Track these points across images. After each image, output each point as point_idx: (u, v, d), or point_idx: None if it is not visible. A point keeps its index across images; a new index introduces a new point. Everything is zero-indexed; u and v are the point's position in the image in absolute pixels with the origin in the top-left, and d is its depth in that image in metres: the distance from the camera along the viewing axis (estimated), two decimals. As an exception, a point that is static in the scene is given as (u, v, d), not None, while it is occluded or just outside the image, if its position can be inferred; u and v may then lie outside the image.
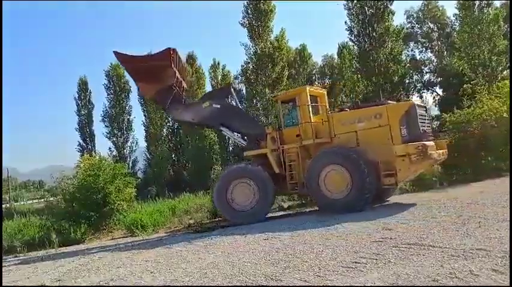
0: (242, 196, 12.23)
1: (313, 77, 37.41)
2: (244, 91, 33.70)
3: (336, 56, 37.22)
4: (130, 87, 33.67)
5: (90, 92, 34.64)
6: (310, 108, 12.54)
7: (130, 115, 34.10)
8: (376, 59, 25.70)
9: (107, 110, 33.19)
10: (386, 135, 11.22)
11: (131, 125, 33.98)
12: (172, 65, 12.16)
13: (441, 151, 11.88)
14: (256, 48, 26.47)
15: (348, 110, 12.91)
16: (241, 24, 26.70)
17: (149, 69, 12.25)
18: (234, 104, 13.97)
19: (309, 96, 12.71)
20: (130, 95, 33.80)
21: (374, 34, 25.80)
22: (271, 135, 12.85)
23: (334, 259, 6.41)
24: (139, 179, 26.50)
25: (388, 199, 13.17)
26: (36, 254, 12.14)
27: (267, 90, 25.85)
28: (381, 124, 11.35)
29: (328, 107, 13.58)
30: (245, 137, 13.49)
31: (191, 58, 34.98)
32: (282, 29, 27.43)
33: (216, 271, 6.65)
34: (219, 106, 13.06)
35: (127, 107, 34.03)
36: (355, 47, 27.65)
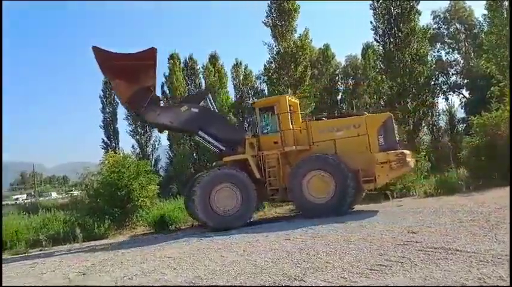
0: (225, 201, 12.02)
1: (336, 77, 37.09)
2: (266, 91, 33.69)
3: (359, 56, 36.82)
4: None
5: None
6: (289, 116, 12.82)
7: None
8: (401, 59, 25.29)
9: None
10: (365, 144, 12.04)
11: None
12: (156, 66, 12.10)
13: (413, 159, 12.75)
14: (279, 48, 26.36)
15: (325, 119, 13.60)
16: (265, 24, 26.64)
17: (130, 68, 11.89)
18: (211, 109, 13.69)
19: (288, 104, 12.99)
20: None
21: (399, 34, 25.39)
22: (250, 141, 12.90)
23: (358, 260, 6.33)
24: (162, 177, 26.78)
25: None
26: (60, 248, 12.39)
27: (289, 90, 25.68)
28: (359, 133, 12.15)
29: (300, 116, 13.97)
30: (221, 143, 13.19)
31: (214, 58, 35.21)
32: (305, 28, 27.24)
33: (239, 269, 6.65)
34: (197, 110, 12.88)
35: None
36: (380, 47, 27.26)
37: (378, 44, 27.52)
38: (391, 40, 25.90)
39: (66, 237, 13.22)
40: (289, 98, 13.64)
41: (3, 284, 6.68)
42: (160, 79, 35.02)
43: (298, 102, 14.66)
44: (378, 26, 26.26)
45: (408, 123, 24.60)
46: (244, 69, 37.28)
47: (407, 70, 25.31)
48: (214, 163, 14.25)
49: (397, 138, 12.50)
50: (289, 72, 25.76)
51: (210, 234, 11.13)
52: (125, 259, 8.74)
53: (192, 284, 6.05)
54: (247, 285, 5.76)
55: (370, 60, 33.38)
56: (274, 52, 26.64)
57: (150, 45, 13.12)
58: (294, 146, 12.41)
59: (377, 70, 30.34)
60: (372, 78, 32.52)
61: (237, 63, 37.08)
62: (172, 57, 33.83)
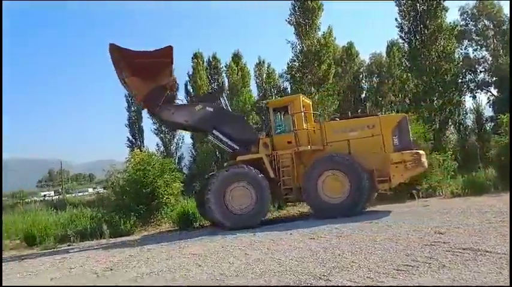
0: (240, 200, 11.96)
1: (360, 76, 36.70)
2: (289, 89, 33.62)
3: (384, 54, 36.32)
4: (177, 84, 34.35)
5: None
6: (303, 116, 12.77)
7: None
8: (428, 57, 24.89)
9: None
10: (379, 144, 12.05)
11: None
12: (173, 64, 12.09)
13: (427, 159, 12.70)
14: (302, 46, 26.28)
15: (338, 120, 13.68)
16: (288, 22, 26.60)
17: (148, 66, 11.82)
18: (226, 108, 13.65)
19: (302, 104, 12.96)
20: (178, 93, 34.53)
21: (426, 31, 25.00)
22: (264, 140, 12.88)
23: (384, 260, 6.26)
24: (185, 175, 27.05)
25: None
26: (87, 243, 12.64)
27: (312, 88, 25.59)
28: (373, 134, 12.15)
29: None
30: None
31: (237, 56, 35.33)
32: (329, 26, 27.11)
33: (263, 267, 6.66)
34: (212, 109, 12.83)
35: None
36: (405, 44, 26.90)
37: (403, 41, 27.20)
38: (417, 37, 25.52)
39: (93, 233, 13.48)
40: (303, 99, 13.58)
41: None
42: (184, 78, 35.37)
43: (311, 103, 14.68)
44: (403, 23, 25.92)
45: (434, 122, 24.14)
46: (267, 67, 37.29)
47: (434, 68, 24.91)
48: (225, 164, 14.18)
49: (411, 139, 12.63)
50: (313, 70, 25.65)
51: (234, 232, 11.18)
52: (151, 256, 8.87)
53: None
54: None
55: (395, 58, 32.91)
56: (298, 50, 26.59)
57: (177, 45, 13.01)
58: (309, 146, 12.39)
59: (402, 68, 29.96)
60: (396, 76, 32.10)
61: (260, 62, 37.12)
62: (196, 56, 34.12)
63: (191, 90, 34.17)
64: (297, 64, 26.89)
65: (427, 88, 25.12)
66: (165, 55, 11.91)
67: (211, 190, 11.87)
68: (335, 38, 27.89)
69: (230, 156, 13.93)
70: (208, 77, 34.52)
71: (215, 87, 35.53)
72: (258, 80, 36.73)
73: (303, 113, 12.85)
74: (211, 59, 35.94)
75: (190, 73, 34.05)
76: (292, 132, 12.74)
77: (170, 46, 11.85)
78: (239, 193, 11.94)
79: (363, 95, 36.51)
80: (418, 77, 25.61)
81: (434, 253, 6.39)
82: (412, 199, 14.52)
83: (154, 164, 15.38)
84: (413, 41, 25.69)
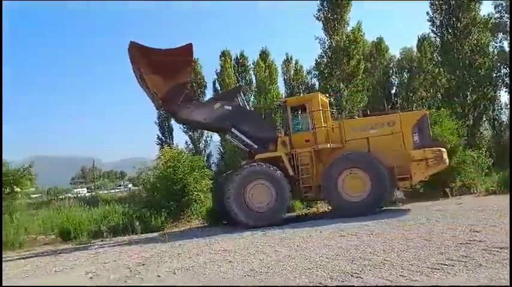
0: (260, 197, 11.96)
1: (390, 71, 35.98)
2: (317, 86, 33.35)
3: (415, 49, 35.47)
4: (206, 83, 34.61)
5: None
6: (321, 114, 12.71)
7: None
8: (460, 51, 24.22)
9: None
10: (399, 142, 12.03)
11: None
12: (192, 62, 12.03)
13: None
14: (331, 42, 26.01)
15: (357, 117, 13.69)
16: (317, 18, 26.37)
17: (168, 64, 11.80)
18: (243, 106, 13.55)
19: (320, 103, 12.92)
20: (206, 91, 34.75)
21: (458, 24, 24.32)
22: (282, 139, 12.86)
23: (417, 259, 6.14)
24: (214, 172, 27.25)
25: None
26: (119, 239, 12.91)
27: (341, 84, 25.31)
28: (393, 131, 12.14)
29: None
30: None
31: (264, 54, 35.23)
32: (358, 21, 26.69)
33: (293, 264, 6.65)
34: (230, 108, 12.78)
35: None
36: (437, 38, 26.25)
37: (434, 35, 26.56)
38: (449, 31, 24.88)
39: (125, 229, 13.76)
40: (321, 97, 13.50)
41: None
42: (212, 76, 35.58)
43: (328, 101, 14.60)
44: (435, 17, 25.32)
45: (468, 118, 23.50)
46: (295, 64, 37.06)
47: (467, 62, 24.24)
48: (243, 162, 14.04)
49: (431, 136, 12.66)
50: (342, 66, 25.36)
51: (263, 229, 11.20)
52: (182, 251, 8.99)
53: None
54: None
55: (426, 52, 32.11)
56: (326, 46, 26.32)
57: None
58: (328, 144, 12.33)
59: (434, 63, 29.26)
60: (428, 71, 31.35)
61: (287, 59, 36.92)
62: (224, 54, 34.21)
63: (219, 88, 34.34)
64: (325, 60, 26.65)
65: (460, 83, 24.47)
66: (186, 53, 11.92)
67: (231, 188, 11.87)
68: (364, 33, 27.43)
69: (248, 155, 13.89)
70: (235, 75, 34.58)
71: (244, 85, 35.60)
72: (285, 77, 36.57)
73: (321, 111, 12.78)
74: (238, 57, 35.98)
75: (218, 71, 34.20)
76: (310, 131, 12.74)
77: (190, 44, 11.88)
78: (258, 191, 11.95)
79: (393, 91, 35.79)
80: (451, 72, 24.96)
81: (470, 251, 6.22)
82: (446, 197, 14.18)
83: (184, 162, 15.56)
84: (446, 34, 25.05)
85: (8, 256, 10.92)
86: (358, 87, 25.46)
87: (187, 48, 11.87)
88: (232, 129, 12.84)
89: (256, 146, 12.87)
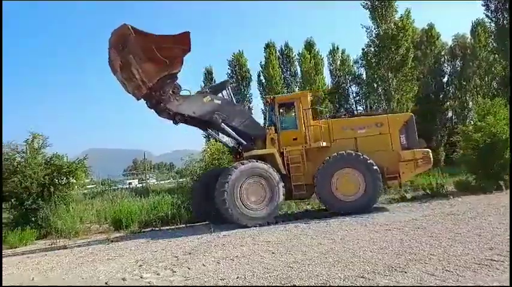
0: (254, 196, 11.50)
1: (442, 59, 34.58)
2: (364, 75, 32.68)
3: (468, 35, 33.83)
4: (250, 75, 34.80)
5: (215, 81, 36.45)
6: (310, 113, 12.64)
7: (250, 103, 35.24)
8: (517, 36, 22.81)
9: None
10: (387, 142, 12.37)
11: (251, 113, 35.10)
12: (189, 52, 11.09)
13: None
14: (378, 30, 25.35)
15: (342, 117, 13.74)
16: (363, 6, 25.77)
17: (164, 52, 10.83)
18: (232, 101, 13.05)
19: (309, 101, 12.87)
20: (251, 83, 34.95)
21: (515, 8, 22.91)
22: (271, 136, 12.43)
23: (465, 254, 5.95)
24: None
25: None
26: (168, 228, 13.30)
27: (389, 74, 24.65)
28: (381, 132, 12.44)
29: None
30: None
31: (309, 44, 34.91)
32: (406, 8, 25.83)
33: (336, 257, 6.63)
34: (220, 102, 12.34)
35: (248, 95, 35.30)
36: (492, 23, 24.91)
37: (489, 20, 25.22)
38: (505, 16, 23.48)
39: (174, 218, 14.13)
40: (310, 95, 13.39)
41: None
42: (256, 68, 35.70)
43: (312, 99, 14.29)
44: (490, 1, 23.99)
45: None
46: (341, 54, 36.50)
47: (525, 48, 22.78)
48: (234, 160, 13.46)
49: (417, 138, 12.93)
50: (390, 55, 24.68)
51: (306, 220, 11.18)
52: (226, 242, 9.16)
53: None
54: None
55: (480, 39, 30.57)
56: (373, 35, 25.69)
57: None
58: (322, 143, 12.26)
59: (489, 49, 27.83)
60: (482, 58, 29.89)
61: (333, 49, 36.42)
62: (268, 46, 34.24)
63: (263, 81, 34.44)
64: (373, 49, 26.04)
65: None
66: (184, 42, 10.97)
67: (226, 186, 11.19)
68: (413, 20, 26.50)
69: (233, 152, 13.64)
70: (280, 67, 34.52)
71: (289, 76, 35.46)
72: (331, 68, 36.11)
73: (310, 110, 12.70)
74: (283, 48, 35.88)
75: (263, 64, 34.27)
76: (298, 129, 12.61)
77: (188, 32, 11.00)
78: (253, 189, 11.51)
79: (445, 79, 34.41)
80: (507, 59, 23.61)
81: (523, 247, 5.93)
82: (499, 190, 13.52)
83: (228, 154, 15.76)
84: (501, 19, 23.71)
85: (66, 243, 11.56)
86: (408, 77, 24.71)
87: (185, 37, 10.92)
88: (222, 125, 12.26)
89: (245, 143, 12.55)
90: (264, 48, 34.29)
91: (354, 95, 36.90)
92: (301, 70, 33.81)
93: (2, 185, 11.46)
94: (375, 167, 11.66)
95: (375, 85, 26.74)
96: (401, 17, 25.46)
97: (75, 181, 14.91)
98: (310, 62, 32.42)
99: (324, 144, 12.35)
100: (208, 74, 36.31)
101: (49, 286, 6.48)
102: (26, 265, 8.75)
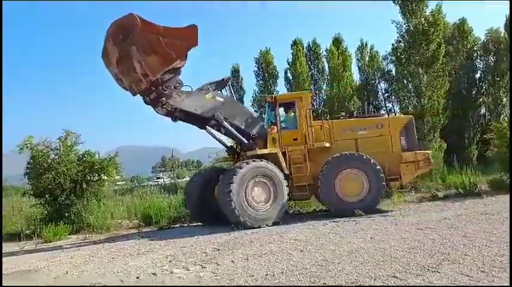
0: (260, 196, 11.24)
1: (475, 54, 33.57)
2: (393, 72, 32.06)
3: (502, 30, 32.70)
4: (277, 72, 34.67)
5: (242, 79, 36.52)
6: (311, 113, 12.60)
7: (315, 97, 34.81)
8: (556, 29, 21.94)
9: (255, 95, 34.78)
10: (387, 144, 12.46)
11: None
12: (196, 46, 10.56)
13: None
14: (408, 26, 24.81)
15: (342, 118, 13.73)
16: (393, 1, 25.27)
17: (170, 45, 10.21)
18: (233, 98, 12.82)
19: (310, 101, 12.98)
20: (278, 81, 34.83)
21: (554, 0, 22.02)
22: (272, 136, 12.25)
23: (501, 255, 5.77)
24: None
25: None
26: (196, 224, 13.43)
27: (420, 69, 24.10)
28: (382, 133, 12.55)
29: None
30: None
31: (337, 40, 34.51)
32: (438, 3, 25.16)
33: (366, 256, 6.54)
34: (222, 99, 12.01)
35: (275, 92, 35.19)
36: (528, 17, 23.97)
37: (525, 13, 24.23)
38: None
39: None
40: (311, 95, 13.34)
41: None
42: (283, 66, 35.54)
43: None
44: (526, -7, 23.06)
45: None
46: (370, 50, 35.93)
47: None
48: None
49: (416, 140, 13.19)
50: (420, 50, 24.10)
51: (335, 219, 11.08)
52: (254, 239, 9.17)
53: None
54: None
55: (515, 32, 29.49)
56: (403, 30, 25.17)
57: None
58: (325, 143, 12.22)
59: (524, 43, 26.79)
60: (518, 53, 28.82)
61: (362, 45, 35.89)
62: (296, 43, 33.98)
63: (291, 78, 34.26)
64: (403, 45, 25.51)
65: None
66: (191, 36, 10.43)
67: (231, 188, 10.80)
68: (445, 14, 25.81)
69: (231, 152, 13.45)
70: (307, 64, 34.25)
71: (316, 73, 35.17)
72: (360, 64, 35.59)
73: (310, 110, 12.62)
74: (311, 45, 35.57)
75: (290, 60, 34.08)
76: (299, 129, 12.53)
77: (195, 26, 10.48)
78: (259, 189, 11.26)
79: (478, 75, 33.40)
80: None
81: None
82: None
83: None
84: (539, 12, 22.80)
85: (98, 238, 11.84)
86: (439, 73, 24.08)
87: (193, 31, 10.39)
88: (224, 123, 11.85)
89: (246, 142, 12.23)
90: (291, 45, 34.07)
91: (383, 91, 36.31)
92: (328, 67, 33.44)
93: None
94: (378, 168, 11.66)
95: (405, 81, 26.19)
96: (432, 11, 24.84)
97: (106, 177, 15.23)
98: (338, 58, 32.06)
99: (327, 145, 12.31)
100: (235, 72, 36.33)
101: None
102: (60, 258, 9.00)
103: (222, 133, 12.59)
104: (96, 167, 14.42)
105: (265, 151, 11.98)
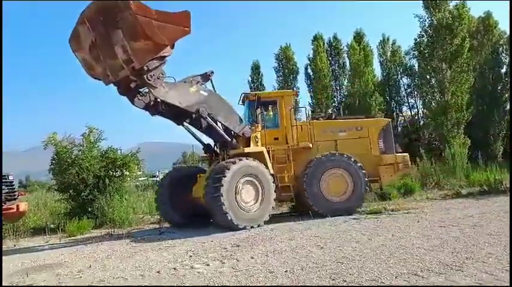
0: (248, 196, 10.85)
1: (500, 49, 32.71)
2: (416, 67, 31.53)
3: (530, 22, 31.78)
4: (297, 68, 34.46)
5: (262, 75, 36.39)
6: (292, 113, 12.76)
7: (297, 96, 34.83)
8: None
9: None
10: (366, 146, 12.56)
11: (298, 106, 34.74)
12: (188, 34, 9.55)
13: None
14: (432, 20, 24.37)
15: (321, 119, 13.73)
16: (415, -5, 24.85)
17: (163, 31, 9.05)
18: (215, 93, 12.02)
19: (292, 101, 13.03)
20: (298, 77, 34.64)
21: None
22: (254, 135, 11.95)
23: (528, 254, 5.61)
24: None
25: None
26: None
27: (443, 64, 23.66)
28: (361, 136, 12.63)
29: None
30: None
31: (358, 35, 34.13)
32: (462, -4, 24.63)
33: (388, 253, 6.47)
34: (206, 94, 11.35)
35: (295, 88, 35.02)
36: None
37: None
38: None
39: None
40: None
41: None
42: (303, 61, 35.32)
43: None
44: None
45: None
46: (392, 45, 35.41)
47: None
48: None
49: (393, 143, 13.21)
50: (444, 45, 23.67)
51: (357, 216, 10.99)
52: (274, 235, 9.17)
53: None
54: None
55: (543, 25, 28.61)
56: (427, 24, 24.76)
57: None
58: (310, 143, 12.21)
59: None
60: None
61: (383, 40, 35.39)
62: (316, 38, 33.74)
63: (311, 74, 34.05)
64: (426, 39, 25.09)
65: None
66: (184, 21, 9.43)
67: (221, 190, 10.24)
68: (469, 8, 25.24)
69: (208, 151, 12.92)
70: (328, 59, 33.98)
71: (337, 68, 34.88)
72: (381, 59, 35.11)
73: (292, 110, 12.63)
74: (331, 40, 35.27)
75: (311, 56, 33.86)
76: (280, 128, 12.46)
77: (188, 11, 9.57)
78: (246, 189, 10.85)
79: (503, 70, 32.54)
80: None
81: None
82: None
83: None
84: None
85: (120, 233, 12.01)
86: (463, 68, 23.62)
87: (186, 17, 9.46)
88: (207, 119, 11.19)
89: (230, 139, 11.67)
90: (312, 40, 33.84)
91: (406, 87, 35.74)
92: (350, 62, 33.14)
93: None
94: (363, 168, 11.75)
95: (428, 76, 25.75)
96: (456, 5, 24.34)
97: (128, 173, 15.45)
98: (359, 53, 31.73)
99: (311, 145, 12.27)
100: (256, 68, 36.26)
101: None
102: (83, 252, 9.17)
103: (200, 130, 11.97)
104: (119, 163, 14.66)
105: (251, 149, 11.60)
